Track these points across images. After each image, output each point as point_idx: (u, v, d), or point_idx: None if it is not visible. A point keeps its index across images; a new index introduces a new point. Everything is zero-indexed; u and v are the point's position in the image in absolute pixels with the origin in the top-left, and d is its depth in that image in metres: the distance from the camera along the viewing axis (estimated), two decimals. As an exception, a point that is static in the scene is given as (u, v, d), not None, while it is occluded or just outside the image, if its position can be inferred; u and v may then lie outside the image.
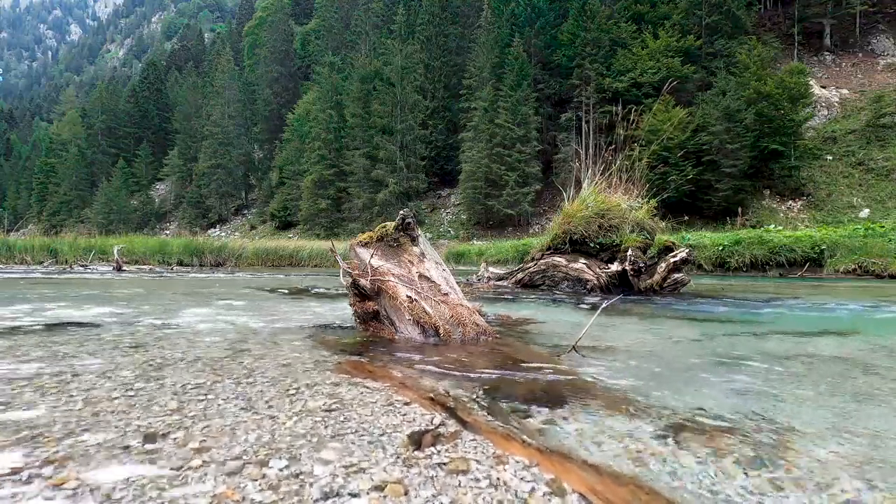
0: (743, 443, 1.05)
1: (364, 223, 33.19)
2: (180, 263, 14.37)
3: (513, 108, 31.80)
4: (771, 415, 1.24)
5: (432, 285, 2.39)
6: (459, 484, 0.84)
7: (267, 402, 1.27)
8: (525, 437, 1.07)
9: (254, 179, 50.94)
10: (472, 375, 1.61)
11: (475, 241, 27.34)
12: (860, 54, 33.66)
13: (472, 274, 7.21)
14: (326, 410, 1.21)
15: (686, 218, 26.17)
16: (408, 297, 2.26)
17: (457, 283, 2.59)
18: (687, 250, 5.24)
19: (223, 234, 44.01)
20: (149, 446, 0.96)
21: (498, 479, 0.86)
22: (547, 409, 1.26)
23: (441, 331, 2.20)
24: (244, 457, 0.92)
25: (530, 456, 0.96)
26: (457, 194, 36.77)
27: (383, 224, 2.62)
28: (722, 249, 12.23)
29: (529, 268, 5.81)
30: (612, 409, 1.26)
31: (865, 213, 23.49)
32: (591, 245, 5.26)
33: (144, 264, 13.51)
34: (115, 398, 1.28)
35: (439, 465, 0.91)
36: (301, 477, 0.85)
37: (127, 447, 0.96)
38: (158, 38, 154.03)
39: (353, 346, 2.15)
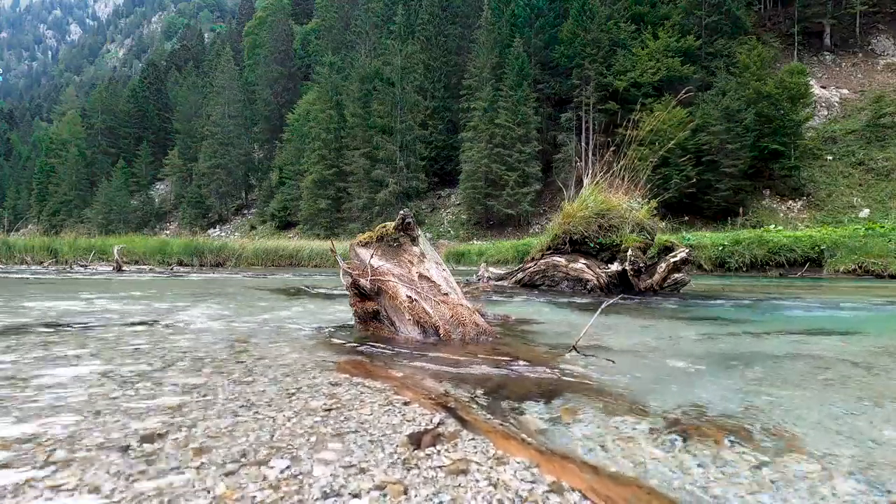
0: (744, 443, 1.05)
1: (364, 223, 33.19)
2: (180, 263, 14.38)
3: (513, 108, 31.79)
4: (772, 415, 1.24)
5: (432, 285, 2.39)
6: (459, 484, 0.84)
7: (267, 401, 1.27)
8: (525, 436, 1.07)
9: (254, 179, 50.94)
10: (472, 375, 1.61)
11: (475, 241, 27.35)
12: (860, 54, 33.65)
13: (472, 274, 7.21)
14: (326, 410, 1.21)
15: (686, 218, 26.18)
16: (408, 296, 2.26)
17: (457, 283, 2.59)
18: (687, 250, 5.24)
19: (223, 234, 44.01)
20: (148, 447, 0.96)
21: (498, 479, 0.86)
22: (547, 409, 1.26)
23: (441, 331, 2.20)
24: (244, 458, 0.92)
25: (530, 456, 0.96)
26: (457, 194, 36.77)
27: (383, 224, 2.62)
28: (722, 249, 12.22)
29: (529, 268, 5.80)
30: (612, 409, 1.26)
31: (865, 213, 23.49)
32: (591, 245, 5.25)
33: (144, 264, 13.51)
34: (115, 397, 1.28)
35: (439, 465, 0.91)
36: (301, 477, 0.85)
37: (127, 447, 0.96)
38: (158, 38, 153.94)
39: (353, 345, 2.15)
